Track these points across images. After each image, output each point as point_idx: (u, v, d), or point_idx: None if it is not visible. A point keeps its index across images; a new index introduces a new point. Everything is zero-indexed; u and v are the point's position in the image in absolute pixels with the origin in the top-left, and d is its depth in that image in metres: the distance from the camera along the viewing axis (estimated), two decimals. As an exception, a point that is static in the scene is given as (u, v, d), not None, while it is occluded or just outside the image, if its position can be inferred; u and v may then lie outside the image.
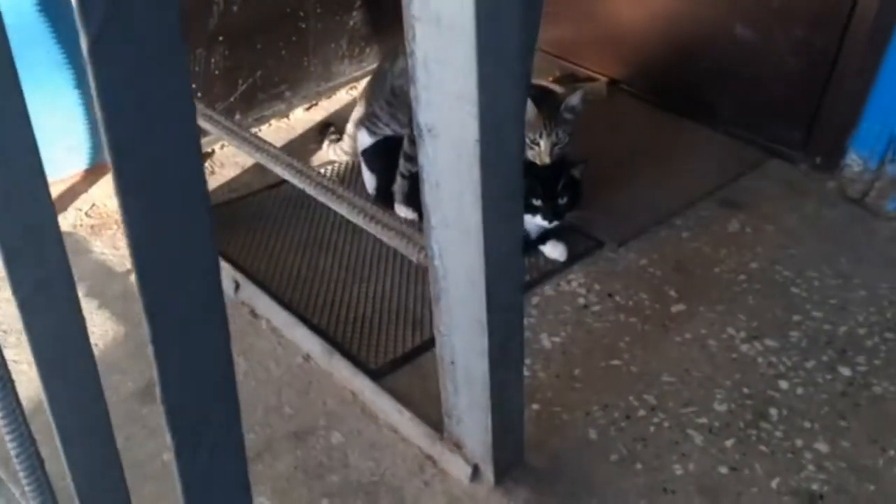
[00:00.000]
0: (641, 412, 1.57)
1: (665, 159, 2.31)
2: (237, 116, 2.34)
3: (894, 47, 2.04)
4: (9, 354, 0.84)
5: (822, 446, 1.50)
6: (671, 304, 1.83)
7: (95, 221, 2.05)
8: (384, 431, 1.53)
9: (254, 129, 2.40)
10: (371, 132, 2.07)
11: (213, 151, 2.32)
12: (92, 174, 2.18)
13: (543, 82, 2.45)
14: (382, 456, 1.49)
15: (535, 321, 1.78)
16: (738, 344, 1.72)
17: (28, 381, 0.86)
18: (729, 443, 1.51)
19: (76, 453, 0.79)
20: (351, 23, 2.52)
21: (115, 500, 0.89)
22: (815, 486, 1.43)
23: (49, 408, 0.78)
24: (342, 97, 2.60)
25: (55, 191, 2.11)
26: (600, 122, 2.39)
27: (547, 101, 1.87)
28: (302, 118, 2.51)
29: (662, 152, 2.34)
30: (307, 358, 1.68)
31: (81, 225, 2.04)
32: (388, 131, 2.04)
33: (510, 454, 1.43)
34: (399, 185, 2.01)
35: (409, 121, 1.61)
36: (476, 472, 1.42)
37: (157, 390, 0.60)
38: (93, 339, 1.71)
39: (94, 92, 0.44)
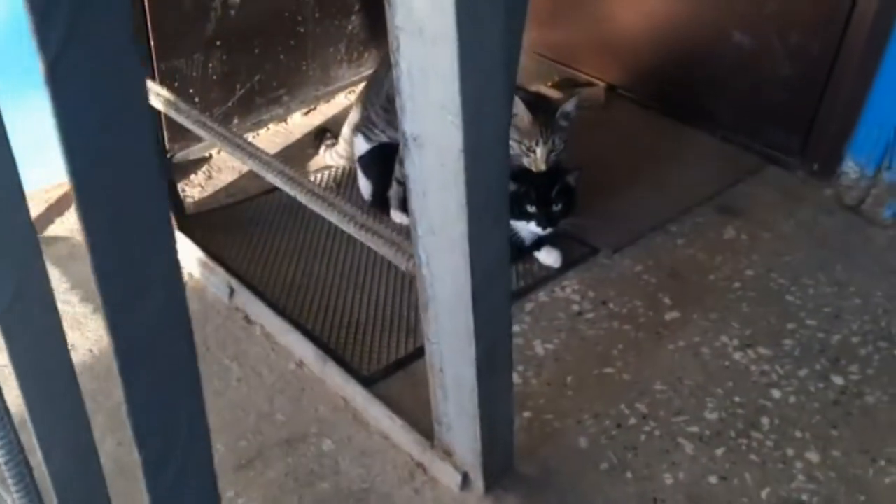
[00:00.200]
0: (633, 420, 1.56)
1: (662, 165, 2.31)
2: (235, 121, 2.34)
3: (891, 54, 2.03)
4: (-2, 361, 0.84)
5: (812, 456, 1.50)
6: (665, 311, 1.83)
7: (92, 226, 2.06)
8: (375, 438, 1.54)
9: (252, 134, 2.40)
10: (368, 138, 2.07)
11: (211, 156, 2.32)
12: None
13: (540, 88, 2.45)
14: (373, 463, 1.49)
15: (529, 328, 1.78)
16: (731, 352, 1.72)
17: (17, 388, 0.86)
18: (719, 452, 1.50)
19: (56, 466, 0.80)
20: (349, 27, 2.52)
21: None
22: (804, 497, 1.42)
23: (29, 420, 0.78)
24: (341, 101, 2.61)
25: (55, 195, 2.12)
26: (597, 127, 2.39)
27: (543, 108, 1.87)
28: (300, 123, 2.52)
29: (659, 158, 2.34)
30: (300, 364, 1.69)
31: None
32: (384, 137, 2.04)
33: (500, 462, 1.43)
34: (395, 191, 2.01)
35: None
36: (466, 479, 1.42)
37: (123, 408, 0.60)
38: (87, 345, 1.75)
39: (52, 114, 0.44)
